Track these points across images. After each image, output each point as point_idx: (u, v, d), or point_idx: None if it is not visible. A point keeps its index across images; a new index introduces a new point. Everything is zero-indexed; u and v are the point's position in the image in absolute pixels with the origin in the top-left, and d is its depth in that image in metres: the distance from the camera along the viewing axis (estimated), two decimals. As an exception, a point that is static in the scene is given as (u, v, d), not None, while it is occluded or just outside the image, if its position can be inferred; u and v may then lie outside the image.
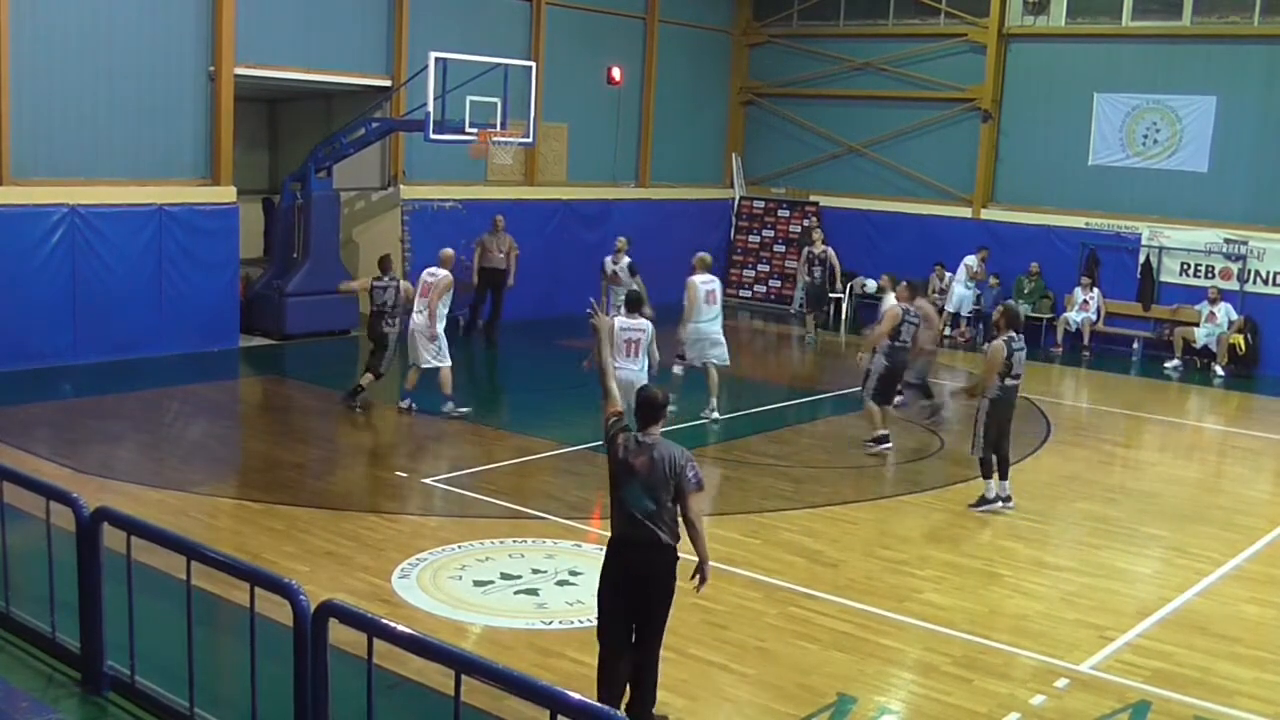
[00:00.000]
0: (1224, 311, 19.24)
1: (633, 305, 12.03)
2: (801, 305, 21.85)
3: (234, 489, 11.27)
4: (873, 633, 8.25)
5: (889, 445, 13.13)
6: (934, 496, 11.77)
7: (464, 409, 14.01)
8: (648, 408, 6.70)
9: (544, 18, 20.87)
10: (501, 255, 19.15)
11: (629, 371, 11.46)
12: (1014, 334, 11.27)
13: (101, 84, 15.62)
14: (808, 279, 20.85)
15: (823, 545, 10.07)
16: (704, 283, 14.45)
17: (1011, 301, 13.22)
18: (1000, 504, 11.22)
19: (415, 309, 13.88)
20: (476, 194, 20.23)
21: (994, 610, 8.82)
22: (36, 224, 15.01)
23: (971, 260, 21.32)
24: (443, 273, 13.98)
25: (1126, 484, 12.62)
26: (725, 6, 24.79)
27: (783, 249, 24.60)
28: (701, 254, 15.02)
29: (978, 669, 7.75)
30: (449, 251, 14.50)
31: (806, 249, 20.80)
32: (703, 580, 6.63)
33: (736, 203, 25.29)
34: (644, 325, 11.90)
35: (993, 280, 21.30)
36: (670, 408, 15.53)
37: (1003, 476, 11.30)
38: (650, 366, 11.91)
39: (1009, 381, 11.16)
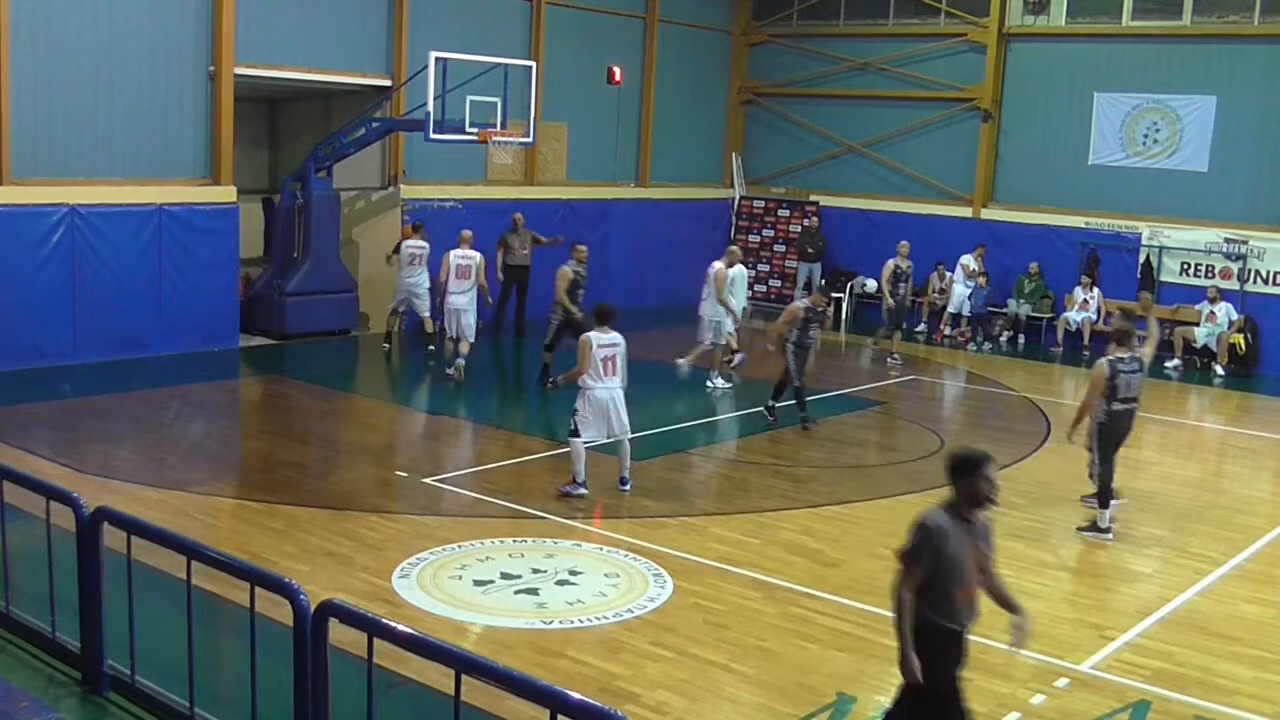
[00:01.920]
0: (1224, 311, 19.24)
1: (604, 317, 11.07)
2: (886, 323, 19.11)
3: (234, 489, 11.27)
4: (873, 632, 8.24)
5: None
6: (934, 496, 11.70)
7: (463, 366, 15.77)
8: (948, 466, 6.05)
9: (544, 17, 20.87)
10: (525, 252, 19.24)
11: (608, 390, 10.87)
12: (1124, 355, 10.42)
13: (101, 84, 15.62)
14: (896, 297, 18.62)
15: (823, 545, 10.07)
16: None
17: (1122, 319, 12.18)
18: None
19: (455, 290, 15.89)
20: (476, 194, 20.24)
21: (994, 610, 8.78)
22: (36, 224, 15.02)
23: (968, 259, 21.31)
24: (476, 255, 16.20)
25: (1127, 484, 12.58)
26: (725, 6, 24.79)
27: (783, 249, 24.60)
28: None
29: (978, 669, 7.72)
30: (468, 233, 16.64)
31: (893, 262, 18.63)
32: (906, 680, 5.71)
33: (736, 202, 25.29)
34: (619, 339, 11.03)
35: (981, 280, 21.21)
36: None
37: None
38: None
39: (1116, 405, 10.40)
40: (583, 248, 16.09)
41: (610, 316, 11.08)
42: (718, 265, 16.32)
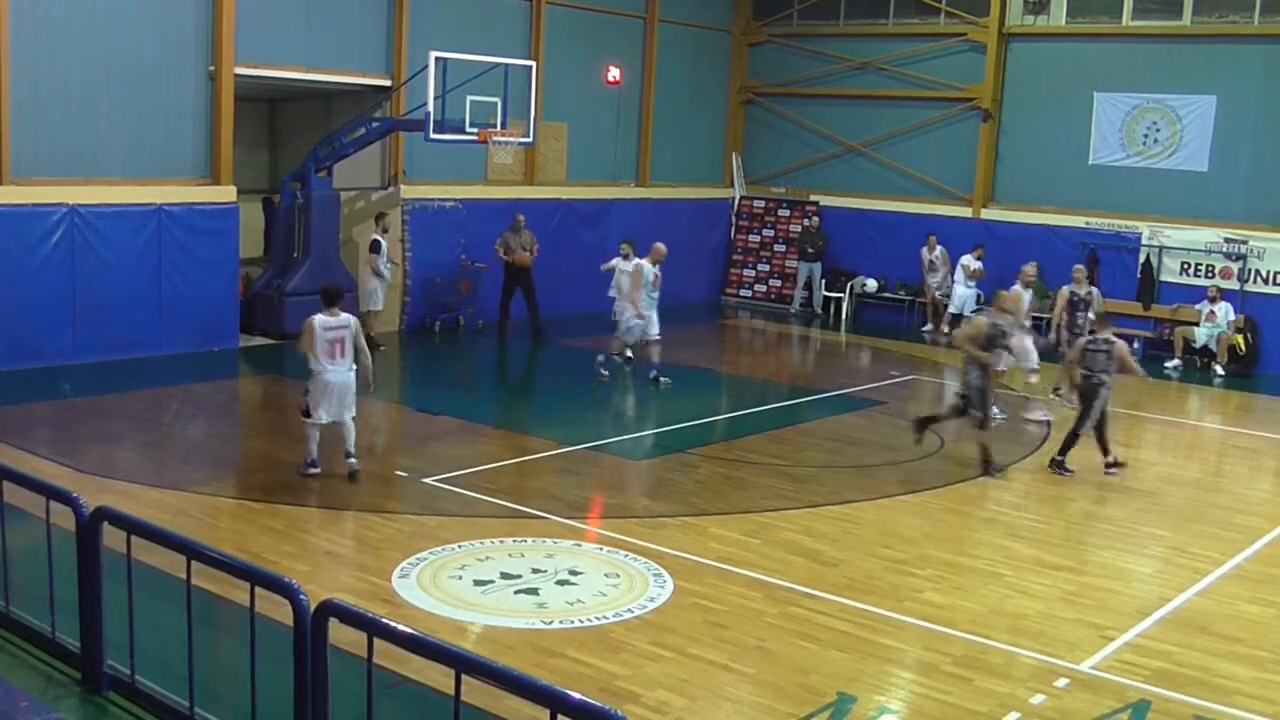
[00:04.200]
0: (1224, 311, 19.24)
1: (330, 299, 10.96)
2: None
3: (234, 489, 11.26)
4: (873, 632, 8.25)
5: None
6: (934, 496, 11.77)
7: (665, 378, 15.93)
8: None
9: (544, 17, 20.87)
10: (525, 253, 19.21)
11: (336, 373, 10.85)
12: None
13: (101, 84, 15.62)
14: (1075, 330, 15.60)
15: (823, 545, 10.07)
16: None
17: None
18: None
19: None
20: (476, 194, 20.24)
21: (994, 610, 8.82)
22: (36, 224, 15.01)
23: (968, 260, 21.27)
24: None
25: (1126, 484, 12.61)
26: (725, 6, 24.79)
27: (783, 249, 24.60)
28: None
29: (978, 668, 7.75)
30: (661, 246, 16.38)
31: (1067, 290, 16.11)
32: None
33: (736, 202, 25.29)
34: (348, 321, 10.95)
35: (973, 265, 21.17)
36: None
37: None
38: (364, 366, 11.05)
39: None
40: (1004, 293, 13.51)
41: (337, 298, 11.01)
42: (1017, 288, 14.84)
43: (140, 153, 16.14)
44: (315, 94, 19.70)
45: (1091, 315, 15.24)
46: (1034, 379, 14.92)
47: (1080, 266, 17.56)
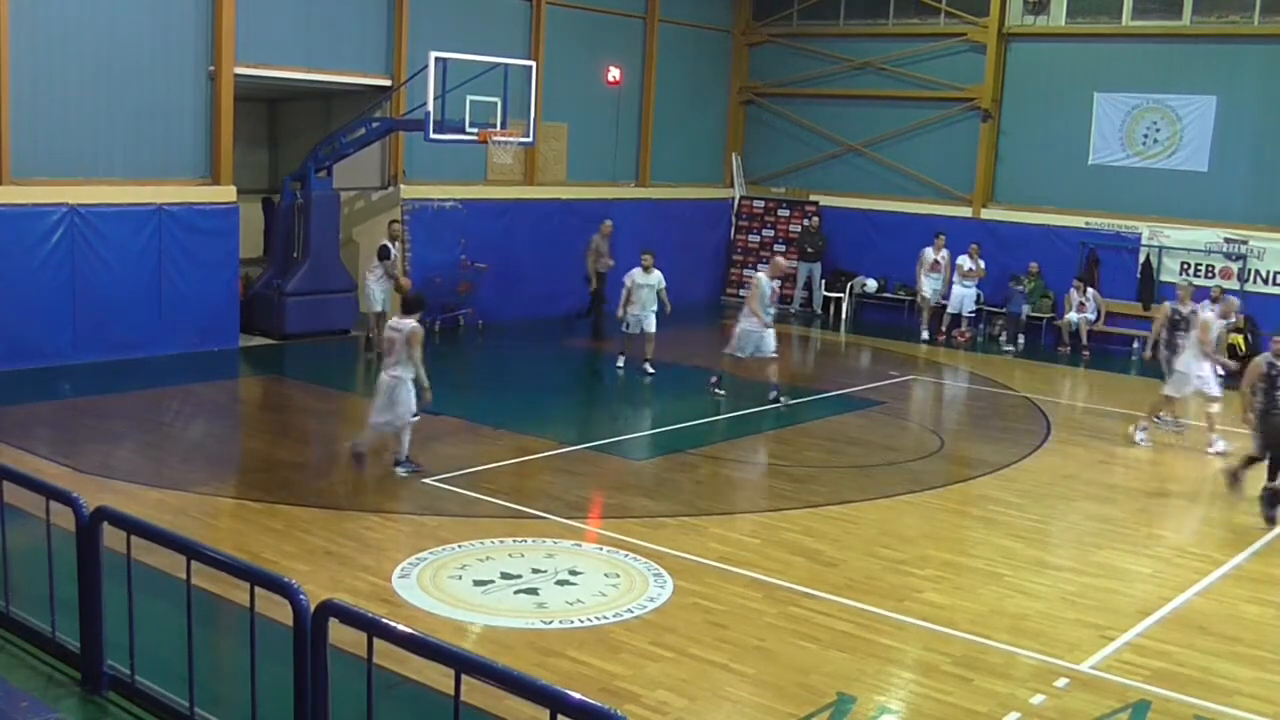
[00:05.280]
0: (1223, 311, 19.22)
1: (405, 306, 11.68)
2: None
3: (234, 489, 11.26)
4: (873, 632, 8.25)
5: None
6: (934, 496, 11.77)
7: (784, 398, 15.40)
8: None
9: (544, 17, 20.88)
10: (610, 262, 19.13)
11: (384, 372, 11.22)
12: None
13: (101, 84, 15.62)
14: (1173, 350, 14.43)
15: (823, 545, 10.07)
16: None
17: None
18: None
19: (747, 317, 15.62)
20: (476, 194, 20.24)
21: (994, 610, 8.82)
22: (36, 224, 15.01)
23: (964, 260, 21.21)
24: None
25: (1126, 484, 12.61)
26: (725, 6, 24.80)
27: (783, 249, 24.59)
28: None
29: (978, 668, 7.75)
30: (780, 260, 16.71)
31: (1170, 306, 14.71)
32: None
33: (736, 202, 25.29)
34: (400, 326, 11.19)
35: (968, 265, 21.13)
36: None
37: None
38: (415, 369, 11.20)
39: None
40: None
41: (409, 307, 11.61)
42: (1208, 315, 14.20)
43: (140, 153, 16.14)
44: (315, 94, 19.70)
45: (1193, 334, 14.18)
46: (1215, 408, 14.24)
47: (1188, 284, 16.42)
